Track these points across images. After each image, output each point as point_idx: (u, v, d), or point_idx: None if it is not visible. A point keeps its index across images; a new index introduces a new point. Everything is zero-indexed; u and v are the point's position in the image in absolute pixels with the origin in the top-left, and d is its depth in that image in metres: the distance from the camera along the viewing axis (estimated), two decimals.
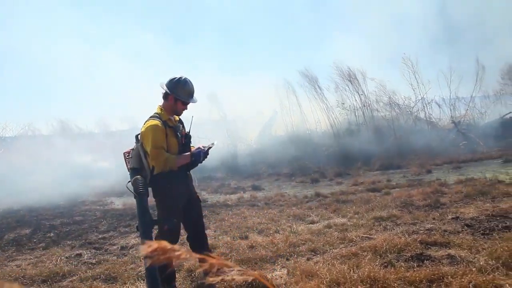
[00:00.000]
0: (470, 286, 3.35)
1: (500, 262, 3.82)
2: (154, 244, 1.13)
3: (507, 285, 3.36)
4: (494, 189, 7.62)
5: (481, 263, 3.88)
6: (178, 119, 4.26)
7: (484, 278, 3.46)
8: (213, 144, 4.22)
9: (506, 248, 4.09)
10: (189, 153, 4.08)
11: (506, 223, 5.21)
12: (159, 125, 3.92)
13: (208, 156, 4.15)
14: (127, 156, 4.23)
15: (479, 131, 16.17)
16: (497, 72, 17.69)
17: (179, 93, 4.06)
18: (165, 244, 1.15)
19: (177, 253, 1.14)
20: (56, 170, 21.12)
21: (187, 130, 4.31)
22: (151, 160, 3.92)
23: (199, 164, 4.17)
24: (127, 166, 4.21)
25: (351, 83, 18.60)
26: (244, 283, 3.99)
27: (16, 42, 58.41)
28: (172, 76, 4.11)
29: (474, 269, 3.73)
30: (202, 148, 4.14)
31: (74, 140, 26.18)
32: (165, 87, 4.09)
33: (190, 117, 4.27)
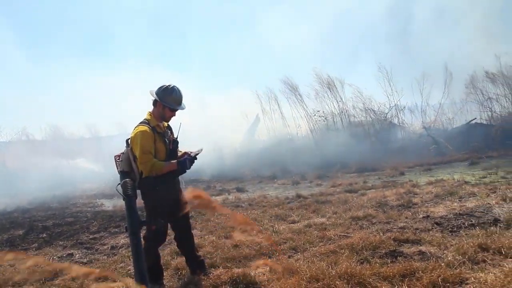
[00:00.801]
0: (439, 280, 3.41)
1: (466, 257, 3.89)
2: (196, 191, 1.15)
3: (472, 278, 3.43)
4: (461, 189, 7.76)
5: (449, 258, 3.95)
6: (166, 125, 4.26)
7: (452, 272, 3.53)
8: (200, 150, 4.22)
9: (472, 244, 4.18)
10: (175, 161, 4.07)
11: (472, 221, 5.30)
12: (148, 131, 3.92)
13: (195, 161, 4.15)
14: (118, 159, 4.22)
15: (448, 136, 16.43)
16: (463, 81, 18.06)
17: (167, 100, 4.06)
18: (205, 194, 1.18)
19: (212, 203, 1.17)
20: (49, 173, 20.84)
21: (175, 136, 4.31)
22: (139, 164, 3.91)
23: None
24: (117, 169, 4.20)
25: (330, 90, 18.79)
26: (228, 279, 4.00)
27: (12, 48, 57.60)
28: (161, 84, 4.12)
29: (443, 264, 3.78)
30: (189, 153, 4.14)
31: (65, 144, 25.87)
32: (154, 95, 4.09)
33: (178, 123, 4.29)
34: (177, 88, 4.12)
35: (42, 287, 4.53)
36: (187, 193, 1.02)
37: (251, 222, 1.17)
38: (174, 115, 4.19)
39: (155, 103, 4.13)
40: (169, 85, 4.10)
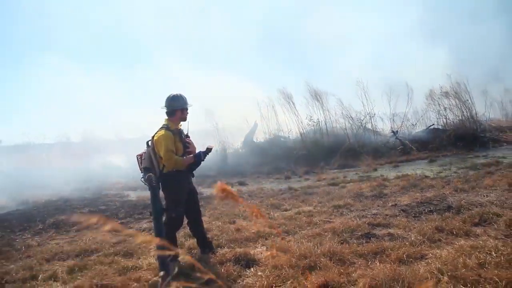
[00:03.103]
0: (404, 256, 3.47)
1: (426, 237, 3.96)
2: (223, 186, 1.18)
3: (430, 254, 3.50)
4: (422, 182, 7.79)
5: (412, 238, 4.01)
6: (180, 127, 4.33)
7: (414, 250, 3.60)
8: (212, 146, 4.33)
9: (430, 227, 4.25)
10: (192, 155, 4.18)
11: (430, 208, 5.35)
12: (169, 133, 4.06)
13: (208, 154, 4.24)
14: (140, 158, 4.30)
15: (411, 138, 16.50)
16: (423, 94, 18.23)
17: (181, 104, 4.23)
18: (229, 188, 1.20)
19: (236, 196, 1.21)
20: (84, 170, 20.89)
21: (185, 133, 4.41)
22: (164, 161, 4.01)
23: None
24: (139, 165, 4.29)
25: (317, 100, 18.80)
26: (232, 257, 4.04)
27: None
28: (168, 97, 4.26)
29: (407, 243, 3.85)
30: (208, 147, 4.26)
31: (98, 145, 25.94)
32: (169, 107, 4.19)
33: (186, 123, 4.41)
34: (179, 93, 4.28)
35: (81, 262, 4.56)
36: (217, 187, 1.05)
37: (263, 214, 1.21)
38: (188, 112, 4.33)
39: (173, 112, 4.21)
40: (174, 95, 4.25)
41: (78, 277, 4.04)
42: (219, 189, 1.19)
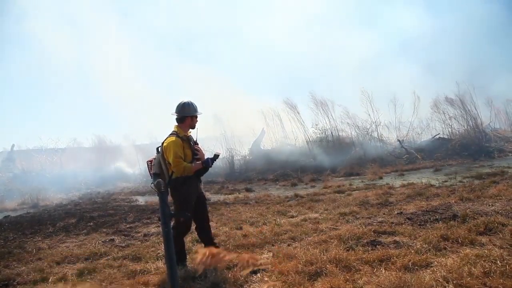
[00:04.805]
0: (410, 264, 3.45)
1: (431, 245, 3.93)
2: (206, 251, 1.18)
3: (435, 262, 3.47)
4: (427, 191, 7.73)
5: (417, 246, 3.98)
6: (189, 133, 4.36)
7: (420, 258, 3.58)
8: (219, 153, 4.37)
9: (436, 235, 4.21)
10: (200, 162, 4.20)
11: (436, 217, 5.30)
12: (178, 140, 4.08)
13: (216, 161, 4.28)
14: (150, 163, 4.33)
15: (417, 148, 16.44)
16: (429, 104, 18.17)
17: (191, 112, 4.26)
18: (213, 250, 1.20)
19: (221, 255, 1.21)
20: (94, 174, 21.06)
21: (195, 139, 4.44)
22: (173, 167, 4.03)
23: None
24: (149, 171, 4.32)
25: (323, 110, 18.81)
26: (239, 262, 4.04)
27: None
28: (178, 104, 4.29)
29: (412, 251, 3.82)
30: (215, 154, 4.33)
31: (107, 151, 26.18)
32: (180, 113, 4.23)
33: (195, 130, 4.44)
34: (190, 101, 4.31)
35: (90, 265, 4.60)
36: (200, 256, 1.03)
37: (255, 258, 1.21)
38: (197, 120, 4.36)
39: (182, 119, 4.25)
40: (184, 102, 4.27)
41: (88, 280, 4.07)
42: (201, 261, 1.19)
